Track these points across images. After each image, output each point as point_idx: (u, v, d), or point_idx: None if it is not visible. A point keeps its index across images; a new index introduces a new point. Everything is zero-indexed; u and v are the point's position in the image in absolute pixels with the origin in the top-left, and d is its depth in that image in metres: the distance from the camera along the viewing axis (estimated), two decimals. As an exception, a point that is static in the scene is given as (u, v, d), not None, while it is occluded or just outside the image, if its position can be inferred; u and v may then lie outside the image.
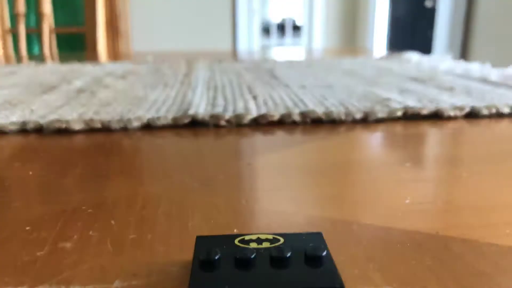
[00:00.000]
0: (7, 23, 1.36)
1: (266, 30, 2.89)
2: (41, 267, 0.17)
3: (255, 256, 0.13)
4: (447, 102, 0.46)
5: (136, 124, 0.40)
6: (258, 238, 0.15)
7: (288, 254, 0.14)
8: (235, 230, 0.20)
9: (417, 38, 2.08)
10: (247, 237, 0.15)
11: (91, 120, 0.39)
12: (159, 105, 0.47)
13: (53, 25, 1.39)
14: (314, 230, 0.20)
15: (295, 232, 0.15)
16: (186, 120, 0.41)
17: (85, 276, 0.16)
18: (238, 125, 0.41)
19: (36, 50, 1.81)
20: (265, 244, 0.14)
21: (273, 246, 0.13)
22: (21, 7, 1.25)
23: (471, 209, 0.22)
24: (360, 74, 0.72)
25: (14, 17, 1.27)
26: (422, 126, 0.41)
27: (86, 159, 0.30)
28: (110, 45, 2.04)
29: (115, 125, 0.39)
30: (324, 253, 0.14)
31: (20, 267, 0.17)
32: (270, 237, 0.15)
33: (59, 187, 0.25)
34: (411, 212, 0.22)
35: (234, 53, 1.51)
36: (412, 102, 0.46)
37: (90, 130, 0.39)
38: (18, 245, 0.19)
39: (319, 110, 0.42)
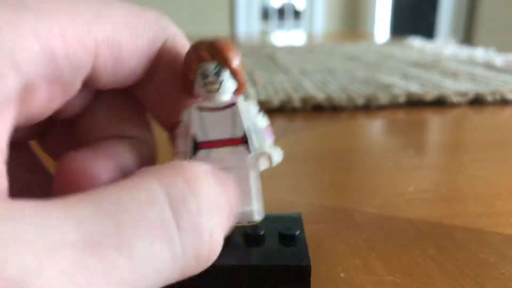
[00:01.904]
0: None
1: (265, 14, 2.84)
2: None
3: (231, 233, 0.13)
4: (450, 88, 0.45)
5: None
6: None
7: (262, 232, 0.14)
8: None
9: (420, 22, 2.05)
10: None
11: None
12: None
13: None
14: (315, 218, 0.19)
15: (276, 213, 0.16)
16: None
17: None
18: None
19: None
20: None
21: (249, 225, 0.14)
22: None
23: (475, 197, 0.22)
24: (362, 59, 0.70)
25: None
26: (425, 112, 0.40)
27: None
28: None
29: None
30: (297, 232, 0.14)
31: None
32: None
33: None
34: (414, 200, 0.21)
35: (233, 38, 1.49)
36: (415, 88, 0.45)
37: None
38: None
39: (320, 96, 0.41)
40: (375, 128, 0.37)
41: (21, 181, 0.13)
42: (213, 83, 0.12)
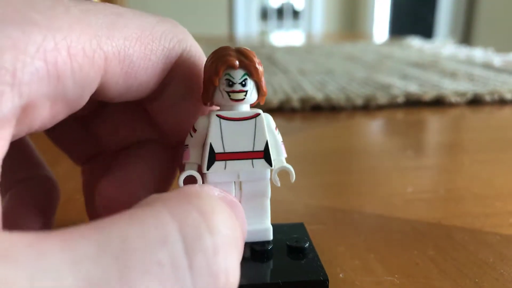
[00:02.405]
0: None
1: (264, 14, 2.84)
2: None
3: None
4: (449, 88, 0.45)
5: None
6: None
7: (270, 247, 0.13)
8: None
9: (419, 23, 2.05)
10: None
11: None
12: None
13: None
14: (314, 219, 0.19)
15: (277, 223, 0.15)
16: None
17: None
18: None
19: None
20: None
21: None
22: None
23: (474, 197, 0.22)
24: (361, 59, 0.71)
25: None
26: (423, 112, 0.40)
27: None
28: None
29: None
30: (307, 244, 0.14)
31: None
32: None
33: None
34: (413, 201, 0.21)
35: (231, 38, 1.49)
36: (413, 88, 0.45)
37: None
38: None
39: (319, 97, 0.41)
40: (373, 128, 0.37)
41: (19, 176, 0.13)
42: (239, 92, 0.12)
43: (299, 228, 0.15)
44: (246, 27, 2.35)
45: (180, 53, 0.12)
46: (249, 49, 0.12)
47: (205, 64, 0.12)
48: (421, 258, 0.16)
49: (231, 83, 0.12)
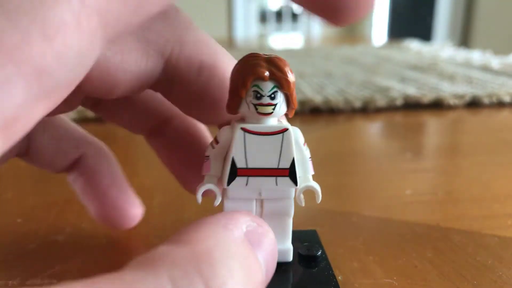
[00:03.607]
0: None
1: (263, 17, 2.85)
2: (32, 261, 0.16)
3: None
4: (447, 90, 0.45)
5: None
6: None
7: None
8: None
9: (417, 25, 2.06)
10: None
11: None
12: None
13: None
14: (312, 222, 0.19)
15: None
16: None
17: (77, 270, 0.16)
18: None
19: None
20: None
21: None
22: None
23: (472, 200, 0.22)
24: (360, 62, 0.71)
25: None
26: (422, 115, 0.40)
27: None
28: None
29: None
30: (319, 252, 0.13)
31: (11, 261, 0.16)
32: None
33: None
34: (412, 203, 0.21)
35: (230, 41, 1.49)
36: (412, 91, 0.45)
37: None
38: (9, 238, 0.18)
39: (318, 99, 0.42)
40: (372, 131, 0.37)
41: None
42: (267, 105, 0.11)
43: (312, 235, 0.15)
44: (245, 30, 2.36)
45: (178, 52, 0.11)
46: (281, 57, 0.11)
47: (232, 72, 0.11)
48: (419, 260, 0.16)
49: (259, 96, 0.11)
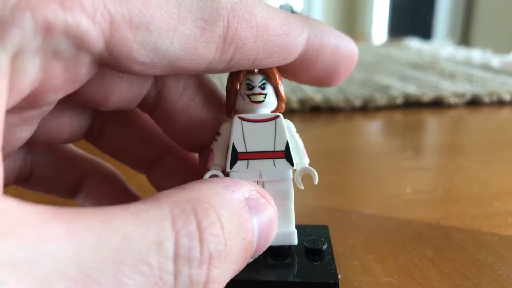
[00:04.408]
0: None
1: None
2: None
3: None
4: (447, 89, 0.45)
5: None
6: None
7: (287, 246, 0.14)
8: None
9: (418, 24, 2.05)
10: None
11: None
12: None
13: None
14: (313, 219, 0.19)
15: (301, 224, 0.15)
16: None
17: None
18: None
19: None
20: None
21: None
22: None
23: (472, 198, 0.22)
24: (360, 60, 0.71)
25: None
26: (422, 113, 0.40)
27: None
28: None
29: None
30: (324, 246, 0.14)
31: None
32: None
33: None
34: (412, 202, 0.21)
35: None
36: (412, 89, 0.45)
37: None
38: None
39: (318, 98, 0.41)
40: (372, 129, 0.37)
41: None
42: (258, 94, 0.13)
43: (323, 230, 0.15)
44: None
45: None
46: None
47: (228, 75, 0.13)
48: (419, 258, 0.16)
49: (251, 87, 0.13)
